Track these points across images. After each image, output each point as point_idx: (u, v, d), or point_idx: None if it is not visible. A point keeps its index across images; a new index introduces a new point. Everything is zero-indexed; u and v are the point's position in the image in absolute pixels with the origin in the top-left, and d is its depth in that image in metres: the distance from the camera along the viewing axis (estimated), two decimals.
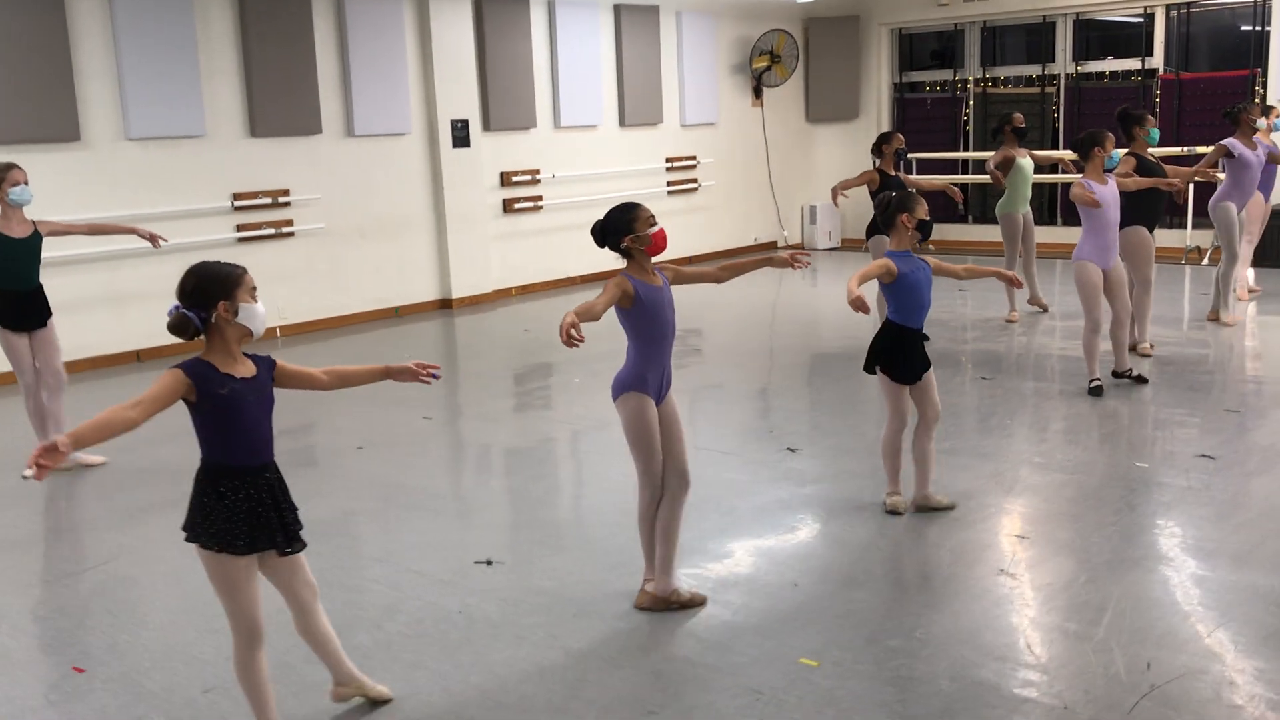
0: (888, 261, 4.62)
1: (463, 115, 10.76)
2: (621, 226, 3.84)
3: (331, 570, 4.46)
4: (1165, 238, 12.22)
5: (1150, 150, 7.49)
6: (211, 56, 9.09)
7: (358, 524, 5.04)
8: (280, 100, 9.46)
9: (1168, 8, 12.35)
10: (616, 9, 12.11)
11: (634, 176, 12.52)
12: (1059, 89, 13.26)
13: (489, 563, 4.44)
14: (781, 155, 14.32)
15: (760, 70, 13.67)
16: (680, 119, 13.04)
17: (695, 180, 13.25)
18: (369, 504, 5.28)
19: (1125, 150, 7.25)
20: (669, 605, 3.95)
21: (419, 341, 9.64)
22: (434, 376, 3.33)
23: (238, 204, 9.34)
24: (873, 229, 8.14)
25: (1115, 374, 6.68)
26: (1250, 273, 9.89)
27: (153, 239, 6.38)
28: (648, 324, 3.81)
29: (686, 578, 4.15)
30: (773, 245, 14.47)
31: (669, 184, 12.97)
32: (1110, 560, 4.25)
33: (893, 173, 8.33)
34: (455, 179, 10.77)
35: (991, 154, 9.14)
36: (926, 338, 4.74)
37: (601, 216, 3.89)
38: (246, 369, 3.01)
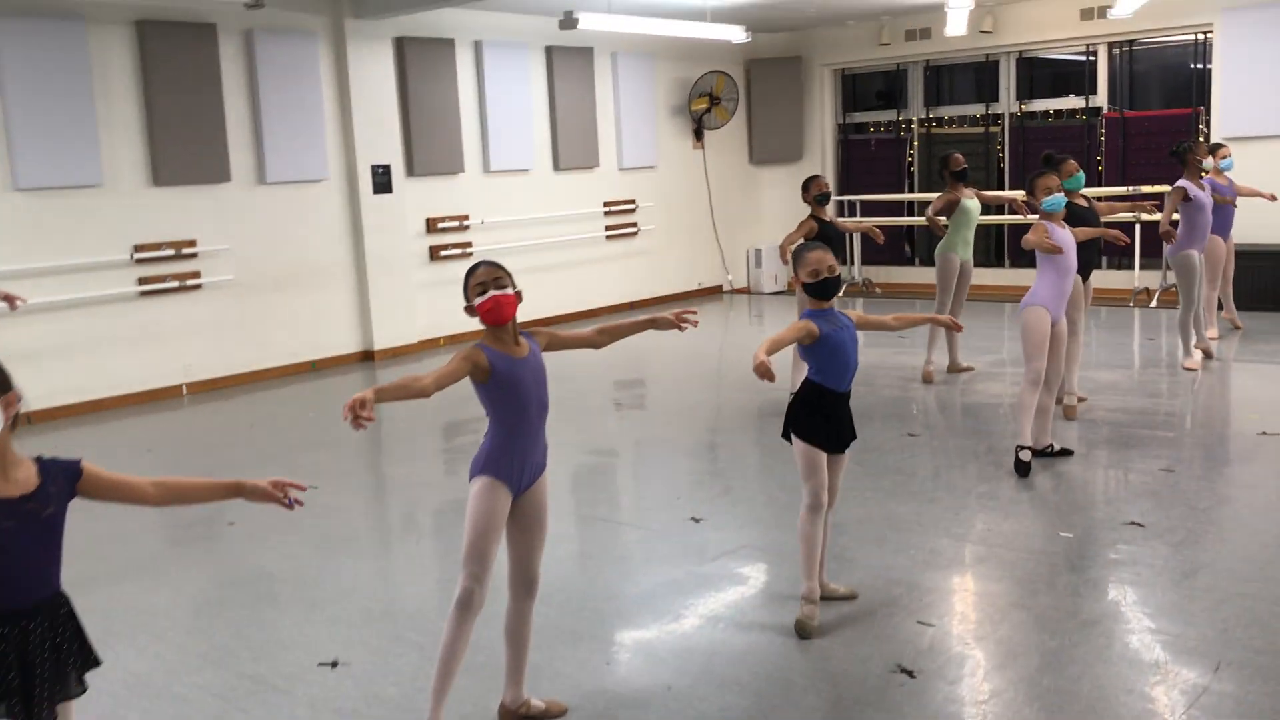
0: (807, 323, 4.04)
1: (384, 160, 10.36)
2: (464, 291, 3.37)
3: (158, 674, 3.98)
4: (1113, 279, 11.98)
5: (1081, 193, 7.16)
6: (110, 102, 8.66)
7: (201, 616, 4.55)
8: (185, 147, 9.03)
9: (1110, 45, 12.16)
10: (548, 50, 11.78)
11: (570, 221, 12.16)
12: (1004, 128, 13.03)
13: (334, 664, 3.96)
14: (725, 198, 14.01)
15: (700, 112, 13.37)
16: (618, 162, 12.70)
17: (635, 224, 12.89)
18: (221, 592, 4.80)
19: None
20: (522, 718, 3.49)
21: (339, 396, 9.10)
22: (296, 501, 2.76)
23: (139, 256, 8.87)
24: None
25: (1034, 452, 5.97)
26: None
27: (9, 300, 5.90)
28: (506, 401, 3.32)
29: (547, 679, 3.70)
30: (717, 289, 14.12)
31: (607, 228, 12.61)
32: (1019, 653, 3.83)
33: (826, 218, 7.97)
34: (376, 226, 10.35)
35: (935, 196, 8.76)
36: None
37: None
38: (13, 485, 2.38)
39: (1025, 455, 5.87)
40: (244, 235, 9.52)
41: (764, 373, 3.73)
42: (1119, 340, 9.66)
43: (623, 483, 6.46)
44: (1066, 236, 5.95)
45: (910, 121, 13.78)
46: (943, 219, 8.67)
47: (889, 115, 14.02)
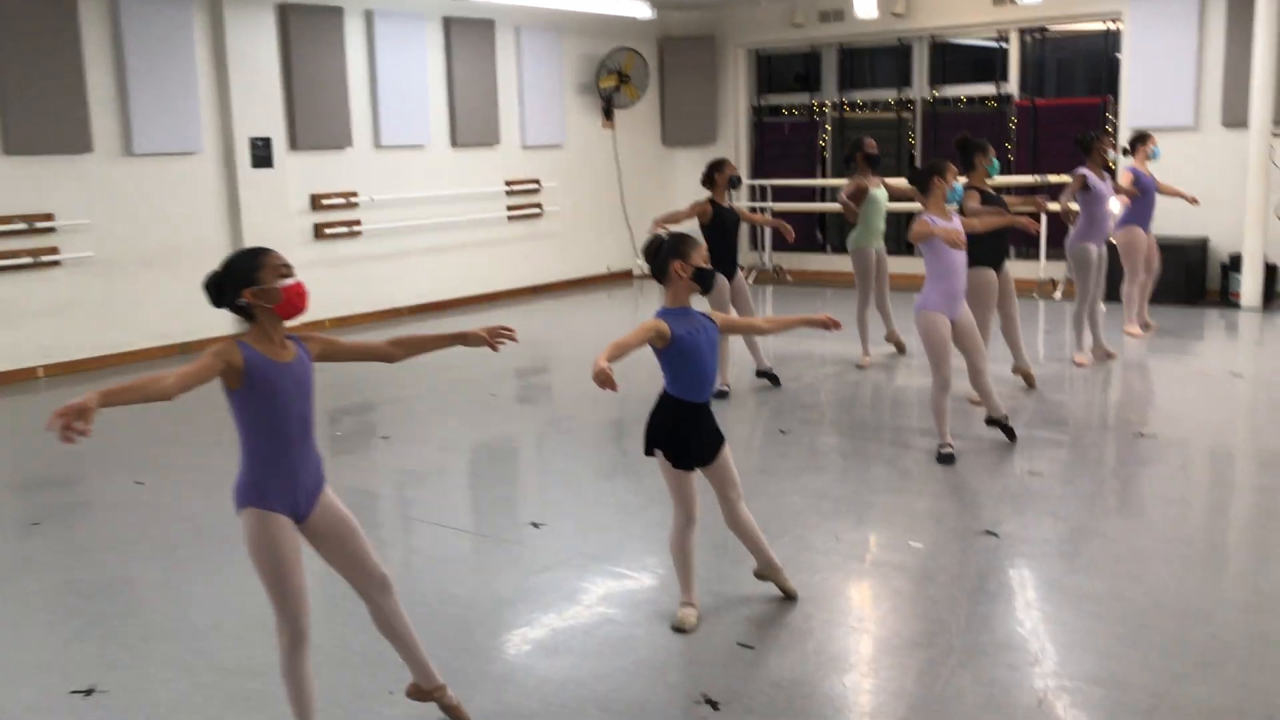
0: (657, 323, 3.75)
1: (264, 133, 9.86)
2: (241, 276, 2.96)
3: None
4: (1018, 270, 11.77)
5: (991, 181, 6.90)
6: None
7: None
8: (40, 114, 8.47)
9: (1022, 32, 11.97)
10: (446, 21, 11.31)
11: (468, 200, 11.73)
12: (915, 114, 12.80)
13: (88, 692, 3.57)
14: (636, 180, 13.64)
15: (609, 90, 12.98)
16: (521, 139, 12.27)
17: (539, 205, 12.49)
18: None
19: (965, 182, 6.66)
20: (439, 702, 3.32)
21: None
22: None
23: None
24: None
25: (989, 421, 6.10)
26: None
27: None
28: (259, 411, 2.92)
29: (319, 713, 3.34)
30: (628, 274, 13.77)
31: (509, 209, 12.20)
32: (836, 681, 3.55)
33: (726, 204, 7.55)
34: (255, 202, 9.85)
35: (845, 182, 8.44)
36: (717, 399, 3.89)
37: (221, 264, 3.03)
38: None
39: (947, 450, 5.76)
40: (108, 209, 8.99)
41: (604, 381, 3.44)
42: (1038, 336, 9.43)
43: (474, 483, 6.07)
44: (953, 230, 5.67)
45: (824, 105, 13.51)
46: (854, 205, 8.40)
47: (802, 98, 13.73)
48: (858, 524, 4.96)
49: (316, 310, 10.42)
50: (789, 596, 4.12)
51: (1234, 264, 10.38)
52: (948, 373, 5.74)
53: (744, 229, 13.93)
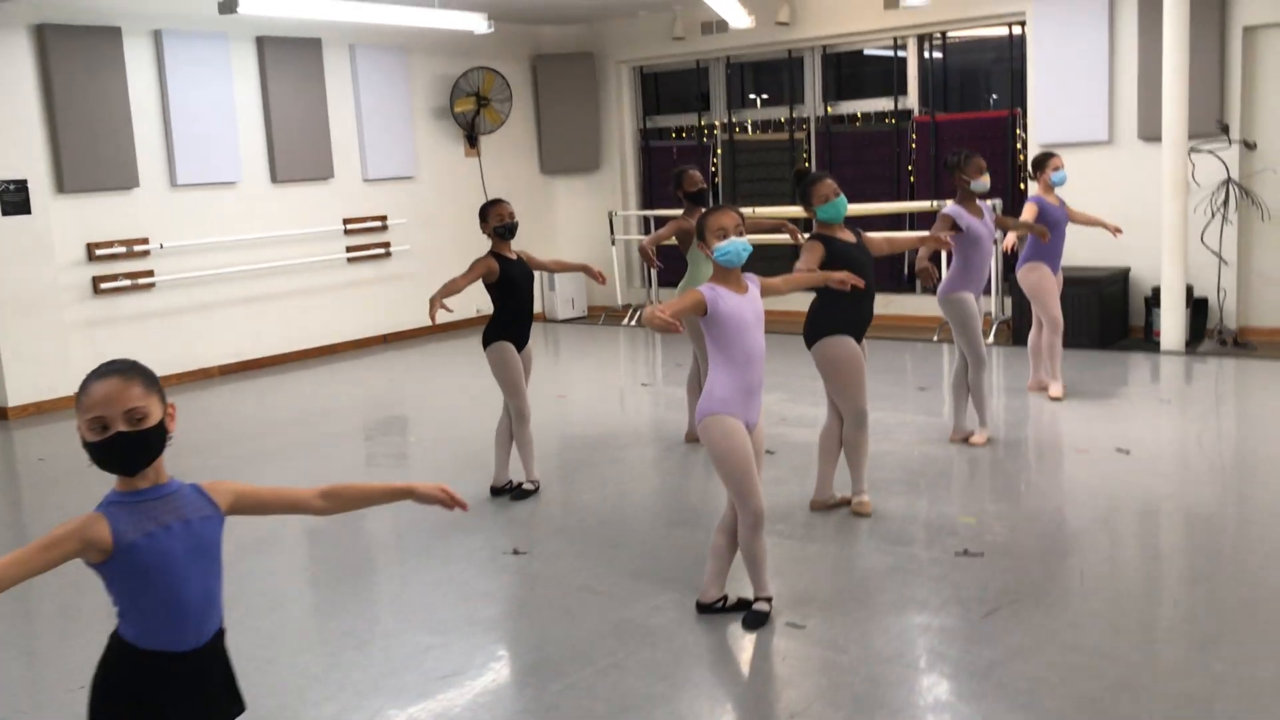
0: (87, 526, 2.22)
1: (16, 174, 8.45)
2: None
3: None
4: (916, 305, 10.45)
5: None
6: None
7: None
8: None
9: (920, 39, 10.61)
10: (259, 41, 9.94)
11: (295, 242, 10.34)
12: (809, 133, 11.43)
13: None
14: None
15: (467, 115, 11.60)
16: (362, 172, 10.89)
17: (386, 245, 11.10)
18: None
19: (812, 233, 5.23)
20: None
21: None
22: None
23: None
24: (490, 333, 5.94)
25: (702, 606, 4.24)
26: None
27: None
28: None
29: None
30: None
31: (349, 250, 10.80)
32: None
33: (512, 255, 6.02)
34: (8, 255, 8.43)
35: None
36: None
37: None
38: None
39: (761, 606, 4.16)
40: None
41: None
42: (907, 395, 8.02)
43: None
44: (746, 306, 4.12)
45: (713, 126, 12.15)
46: (670, 242, 7.03)
47: (691, 119, 12.36)
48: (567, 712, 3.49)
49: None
50: None
51: (1157, 297, 8.98)
52: (759, 503, 4.07)
53: (631, 264, 12.56)
